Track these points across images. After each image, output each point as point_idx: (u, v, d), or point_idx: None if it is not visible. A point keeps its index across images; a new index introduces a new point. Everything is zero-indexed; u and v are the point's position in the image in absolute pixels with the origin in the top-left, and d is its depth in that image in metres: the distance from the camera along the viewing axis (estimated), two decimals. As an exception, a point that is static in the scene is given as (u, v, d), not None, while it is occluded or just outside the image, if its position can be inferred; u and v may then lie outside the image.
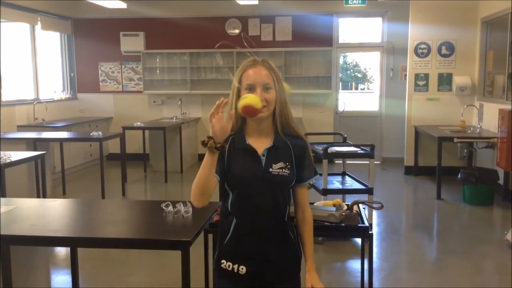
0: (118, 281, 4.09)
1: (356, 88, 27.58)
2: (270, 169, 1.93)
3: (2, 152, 4.98)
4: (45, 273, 3.24)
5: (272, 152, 1.95)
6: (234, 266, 1.94)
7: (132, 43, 9.37)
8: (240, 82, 1.93)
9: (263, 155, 1.94)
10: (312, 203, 3.17)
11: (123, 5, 8.25)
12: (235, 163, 1.93)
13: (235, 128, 1.97)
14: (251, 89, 1.89)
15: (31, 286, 3.01)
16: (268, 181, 1.92)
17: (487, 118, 7.13)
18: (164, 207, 2.78)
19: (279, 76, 1.95)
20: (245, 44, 8.64)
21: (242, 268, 1.93)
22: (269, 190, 1.92)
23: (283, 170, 1.93)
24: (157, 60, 9.46)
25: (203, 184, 1.83)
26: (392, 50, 8.93)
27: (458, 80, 7.78)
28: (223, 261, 1.96)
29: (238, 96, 1.93)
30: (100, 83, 9.75)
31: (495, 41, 7.33)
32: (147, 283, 4.02)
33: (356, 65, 26.06)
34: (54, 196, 6.72)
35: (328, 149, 4.83)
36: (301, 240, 2.05)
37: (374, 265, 4.13)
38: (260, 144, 1.96)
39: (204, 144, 1.79)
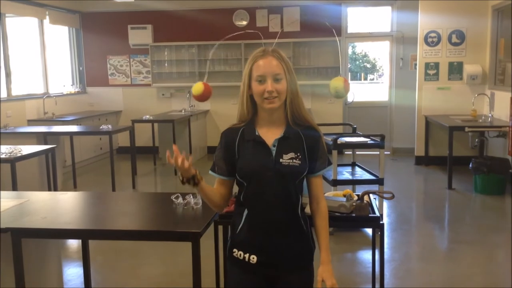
0: (129, 272, 4.12)
1: (365, 79, 27.41)
2: (281, 160, 1.91)
3: (13, 146, 5.03)
4: (57, 265, 3.26)
5: (283, 142, 1.93)
6: (245, 256, 1.95)
7: (140, 36, 9.37)
8: (250, 73, 1.91)
9: (274, 146, 1.93)
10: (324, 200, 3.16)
11: (131, -2, 8.26)
12: (245, 154, 1.93)
13: (246, 119, 1.97)
14: (261, 80, 1.88)
15: (43, 279, 3.03)
16: (279, 171, 1.91)
17: (499, 107, 7.05)
18: (174, 199, 2.78)
19: (290, 66, 1.93)
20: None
21: (253, 258, 1.93)
22: (280, 181, 1.91)
23: (294, 160, 1.92)
24: (165, 53, 9.45)
25: (208, 202, 2.02)
26: (401, 39, 8.85)
27: (469, 68, 7.69)
28: (235, 250, 1.98)
29: (249, 86, 1.92)
30: (109, 77, 9.77)
31: (506, 29, 7.22)
32: (158, 274, 4.04)
33: (365, 55, 25.87)
34: (65, 189, 6.76)
35: (338, 140, 4.81)
36: (315, 231, 2.04)
37: (385, 256, 4.11)
38: (271, 134, 1.95)
39: (184, 182, 1.93)
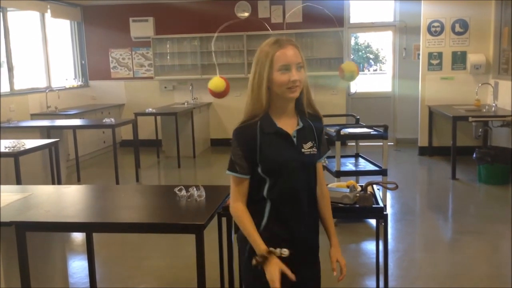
0: (134, 265, 4.13)
1: (368, 70, 27.25)
2: (303, 150, 1.92)
3: (16, 141, 5.03)
4: (62, 259, 3.27)
5: (301, 132, 1.94)
6: (276, 251, 1.88)
7: (142, 28, 9.34)
8: (271, 63, 1.84)
9: (294, 137, 1.93)
10: (325, 185, 3.15)
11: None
12: (269, 148, 1.88)
13: (259, 113, 1.89)
14: (286, 69, 1.84)
15: (48, 272, 3.04)
16: (303, 162, 1.92)
17: (503, 96, 7.01)
18: (177, 192, 2.78)
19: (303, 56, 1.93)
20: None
21: (285, 251, 1.90)
22: (303, 171, 1.93)
23: (313, 149, 1.95)
24: (167, 45, 9.43)
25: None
26: (404, 29, 8.80)
27: (473, 58, 7.64)
28: None
29: (269, 78, 1.84)
30: (111, 70, 9.77)
31: (510, 18, 7.17)
32: (163, 267, 4.05)
33: (368, 46, 25.71)
34: (69, 183, 6.78)
35: (341, 131, 4.80)
36: (322, 217, 2.07)
37: (389, 246, 4.12)
38: (289, 125, 1.93)
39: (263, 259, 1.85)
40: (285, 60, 1.84)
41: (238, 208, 1.92)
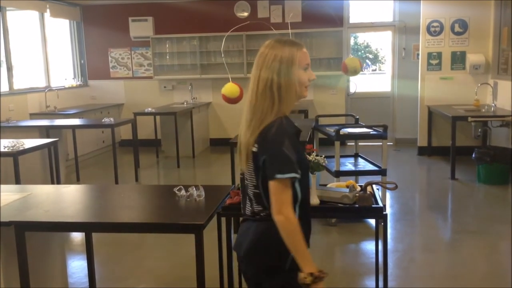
0: (133, 265, 4.13)
1: (367, 69, 27.23)
2: None
3: (15, 140, 5.03)
4: (61, 258, 3.27)
5: None
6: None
7: (141, 28, 9.34)
8: (299, 63, 1.84)
9: None
10: (325, 185, 3.16)
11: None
12: (298, 148, 1.83)
13: (282, 114, 1.83)
14: (307, 68, 1.87)
15: (47, 272, 3.04)
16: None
17: (502, 96, 7.02)
18: (176, 191, 2.78)
19: None
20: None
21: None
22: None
23: None
24: (167, 45, 9.42)
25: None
26: (404, 29, 8.80)
27: (472, 58, 7.65)
28: None
29: (297, 76, 1.82)
30: (111, 70, 9.76)
31: (509, 18, 7.17)
32: (162, 267, 4.05)
33: (367, 46, 25.72)
34: (68, 182, 6.77)
35: (340, 131, 4.80)
36: None
37: (389, 246, 4.11)
38: None
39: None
40: (307, 60, 1.88)
41: (295, 218, 1.73)
